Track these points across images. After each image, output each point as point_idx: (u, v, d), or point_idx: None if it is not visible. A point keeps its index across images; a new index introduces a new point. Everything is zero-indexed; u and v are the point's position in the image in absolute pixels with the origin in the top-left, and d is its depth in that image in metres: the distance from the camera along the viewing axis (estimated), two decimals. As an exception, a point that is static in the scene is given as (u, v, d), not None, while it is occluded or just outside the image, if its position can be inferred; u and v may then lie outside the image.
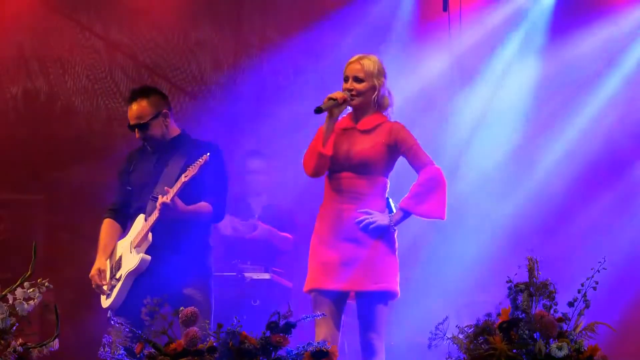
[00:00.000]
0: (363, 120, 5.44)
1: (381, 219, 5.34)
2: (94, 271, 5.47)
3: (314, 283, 5.34)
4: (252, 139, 7.98)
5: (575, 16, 8.05)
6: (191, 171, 5.18)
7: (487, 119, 8.15)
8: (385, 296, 5.33)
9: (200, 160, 5.20)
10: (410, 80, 7.99)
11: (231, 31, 8.38)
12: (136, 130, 5.47)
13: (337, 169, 5.40)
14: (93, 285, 5.48)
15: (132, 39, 8.26)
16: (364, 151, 5.37)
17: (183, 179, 5.20)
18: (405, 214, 5.38)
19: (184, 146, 5.50)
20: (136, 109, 5.45)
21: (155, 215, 5.27)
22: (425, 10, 8.24)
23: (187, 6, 8.27)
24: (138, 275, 5.34)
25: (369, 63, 5.43)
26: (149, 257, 5.32)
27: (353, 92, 5.38)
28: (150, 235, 5.33)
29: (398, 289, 5.36)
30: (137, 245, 5.36)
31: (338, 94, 5.35)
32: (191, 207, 5.32)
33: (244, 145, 7.79)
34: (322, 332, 5.22)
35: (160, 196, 5.23)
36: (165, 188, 5.24)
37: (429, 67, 8.12)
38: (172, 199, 5.18)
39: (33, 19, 8.03)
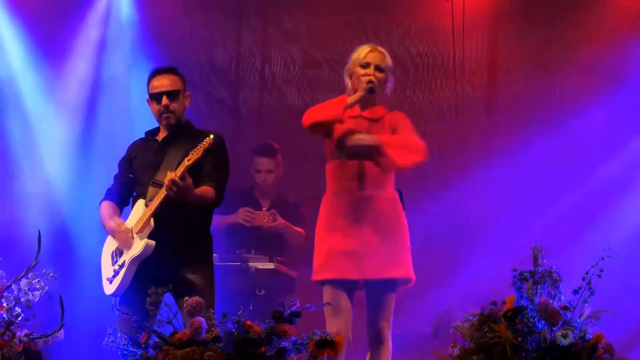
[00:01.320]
0: (370, 110, 5.42)
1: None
2: (113, 224, 5.44)
3: (333, 272, 5.26)
4: (258, 133, 7.98)
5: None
6: (194, 155, 5.15)
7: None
8: (403, 283, 5.30)
9: (204, 142, 5.15)
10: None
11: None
12: (163, 97, 5.45)
13: (351, 156, 5.34)
14: (108, 230, 5.45)
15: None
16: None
17: (186, 162, 5.15)
18: (374, 143, 5.31)
19: (188, 135, 5.48)
20: (170, 79, 5.49)
21: (157, 200, 5.24)
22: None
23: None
24: (141, 262, 5.33)
25: (387, 56, 5.41)
26: (153, 242, 5.29)
27: (375, 81, 5.36)
28: (152, 220, 5.31)
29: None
30: (140, 231, 5.34)
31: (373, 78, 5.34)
32: (197, 190, 5.29)
33: (251, 138, 7.79)
34: (337, 324, 5.14)
35: (168, 172, 5.20)
36: (168, 172, 5.19)
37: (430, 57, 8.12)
38: (182, 176, 5.13)
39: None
